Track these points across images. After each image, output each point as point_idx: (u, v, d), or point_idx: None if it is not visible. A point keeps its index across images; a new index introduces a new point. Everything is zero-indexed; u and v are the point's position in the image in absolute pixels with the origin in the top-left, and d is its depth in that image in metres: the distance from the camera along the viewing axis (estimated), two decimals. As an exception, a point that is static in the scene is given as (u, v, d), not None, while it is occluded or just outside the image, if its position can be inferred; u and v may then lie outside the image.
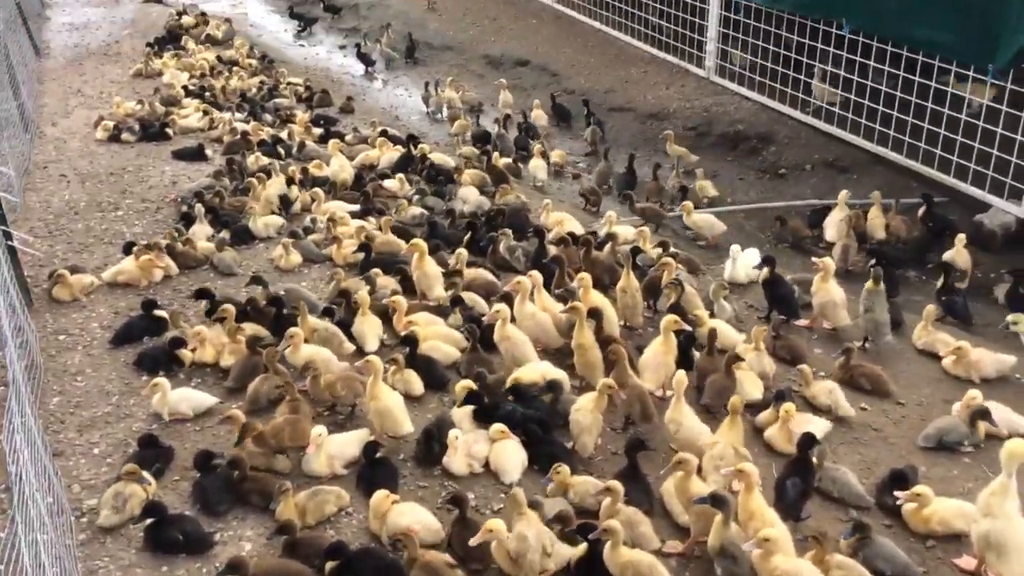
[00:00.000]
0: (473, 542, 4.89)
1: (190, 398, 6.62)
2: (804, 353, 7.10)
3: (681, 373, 6.02)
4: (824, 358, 7.20)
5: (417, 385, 6.70)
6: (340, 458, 5.95)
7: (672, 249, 8.57)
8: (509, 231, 8.84)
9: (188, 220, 9.65)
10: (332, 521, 5.50)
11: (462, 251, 8.28)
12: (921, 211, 9.79)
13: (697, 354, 7.00)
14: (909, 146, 10.63)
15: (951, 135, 10.01)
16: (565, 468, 5.57)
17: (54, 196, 10.68)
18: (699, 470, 5.41)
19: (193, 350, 7.14)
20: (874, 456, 6.05)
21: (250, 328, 7.27)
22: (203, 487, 5.69)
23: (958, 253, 8.91)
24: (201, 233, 9.37)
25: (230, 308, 7.27)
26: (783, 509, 5.29)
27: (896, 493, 5.37)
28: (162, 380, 6.60)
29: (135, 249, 8.61)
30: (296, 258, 8.84)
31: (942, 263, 8.51)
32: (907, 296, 8.62)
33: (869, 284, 7.32)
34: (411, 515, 5.26)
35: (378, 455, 5.81)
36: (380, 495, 5.33)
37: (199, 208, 9.66)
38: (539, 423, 6.08)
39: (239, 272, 8.77)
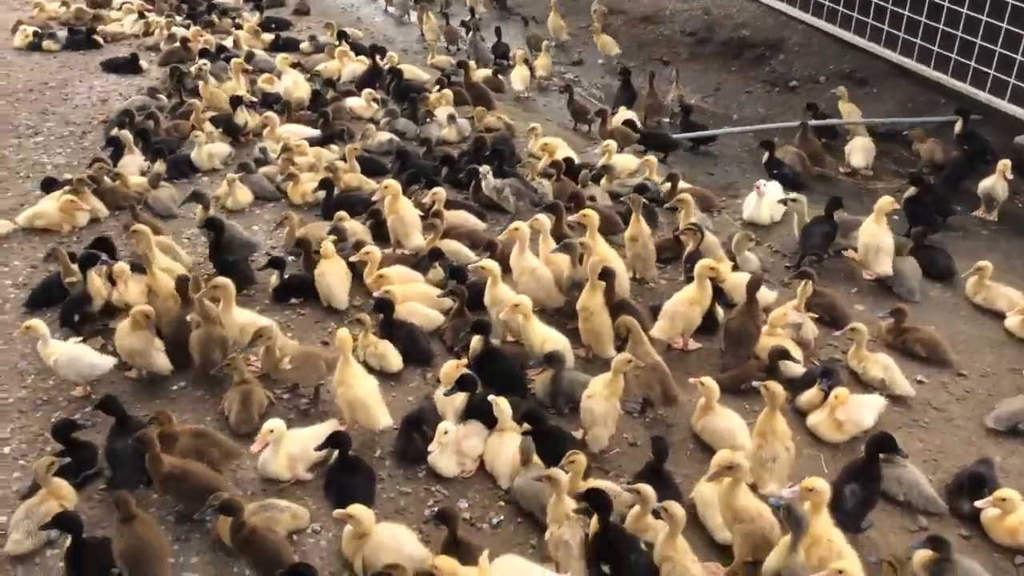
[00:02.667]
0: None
1: (80, 359, 5.33)
2: (845, 311, 6.09)
3: (711, 382, 5.03)
4: (867, 316, 6.18)
5: (395, 360, 5.62)
6: (303, 460, 4.88)
7: (682, 183, 7.43)
8: (488, 168, 7.57)
9: (117, 148, 8.24)
10: (294, 541, 4.46)
11: (439, 190, 7.02)
12: (957, 128, 8.70)
13: (721, 311, 6.01)
14: (938, 56, 9.46)
15: (989, 45, 8.83)
16: (581, 457, 4.54)
17: (-41, 118, 9.20)
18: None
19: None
20: (939, 444, 5.13)
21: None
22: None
23: (999, 182, 7.91)
24: (133, 165, 8.02)
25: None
26: (840, 519, 4.38)
27: (977, 503, 4.50)
28: (36, 322, 5.37)
29: (64, 190, 7.23)
30: (245, 196, 7.54)
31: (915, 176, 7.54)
32: (943, 232, 7.57)
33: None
34: (393, 546, 4.22)
35: (350, 455, 4.76)
36: (364, 514, 4.28)
37: (125, 135, 8.18)
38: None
39: (179, 213, 7.49)
